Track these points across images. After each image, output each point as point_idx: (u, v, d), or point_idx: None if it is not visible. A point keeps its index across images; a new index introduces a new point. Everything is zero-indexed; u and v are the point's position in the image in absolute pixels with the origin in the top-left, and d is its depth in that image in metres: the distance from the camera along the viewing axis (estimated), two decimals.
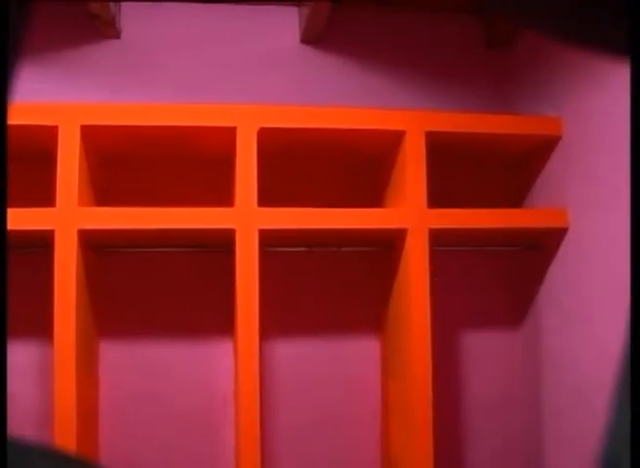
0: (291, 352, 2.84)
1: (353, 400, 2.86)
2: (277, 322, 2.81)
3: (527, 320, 2.92)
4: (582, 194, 2.45)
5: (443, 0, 2.99)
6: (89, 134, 2.33)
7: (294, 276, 2.85)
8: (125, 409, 2.72)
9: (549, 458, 2.71)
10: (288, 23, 2.97)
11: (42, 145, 2.44)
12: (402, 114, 2.47)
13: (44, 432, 2.55)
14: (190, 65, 2.88)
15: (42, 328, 2.55)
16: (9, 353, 2.63)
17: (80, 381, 2.23)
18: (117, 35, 2.84)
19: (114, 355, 2.73)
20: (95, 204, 2.55)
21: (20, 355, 2.64)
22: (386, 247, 2.72)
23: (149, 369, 2.75)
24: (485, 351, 2.98)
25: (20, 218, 2.20)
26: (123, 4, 2.86)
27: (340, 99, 2.93)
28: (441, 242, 2.74)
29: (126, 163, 2.74)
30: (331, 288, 2.88)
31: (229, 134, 2.38)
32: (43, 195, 2.41)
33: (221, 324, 2.76)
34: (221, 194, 2.68)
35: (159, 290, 2.77)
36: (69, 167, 2.25)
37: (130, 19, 2.87)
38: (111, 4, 2.68)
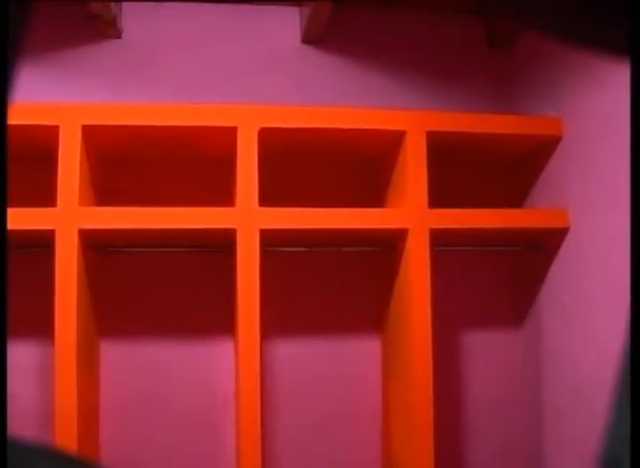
0: (291, 352, 2.84)
1: (354, 400, 2.86)
2: (278, 322, 2.81)
3: (528, 320, 2.92)
4: (583, 194, 2.45)
5: (443, 0, 2.99)
6: (90, 133, 2.33)
7: (294, 276, 2.85)
8: (126, 408, 2.72)
9: (550, 458, 2.71)
10: (289, 23, 2.97)
11: (43, 145, 2.44)
12: (403, 114, 2.47)
13: (45, 432, 2.55)
14: (191, 65, 2.88)
15: (43, 328, 2.55)
16: (10, 353, 2.63)
17: (81, 381, 2.23)
18: (118, 35, 2.84)
19: (115, 355, 2.73)
20: (95, 204, 2.55)
21: (21, 355, 2.65)
22: (387, 247, 2.72)
23: (150, 368, 2.75)
24: (486, 351, 2.98)
25: (20, 218, 2.20)
26: (124, 4, 2.86)
27: (341, 99, 2.92)
28: (442, 242, 2.74)
29: (127, 163, 2.74)
30: (331, 288, 2.88)
31: (230, 133, 2.38)
32: (44, 195, 2.41)
33: (222, 324, 2.76)
34: (222, 194, 2.68)
35: (160, 289, 2.77)
36: (70, 167, 2.25)
37: (131, 18, 2.87)
38: (112, 4, 2.68)
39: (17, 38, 0.38)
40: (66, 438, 2.15)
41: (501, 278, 3.00)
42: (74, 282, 2.20)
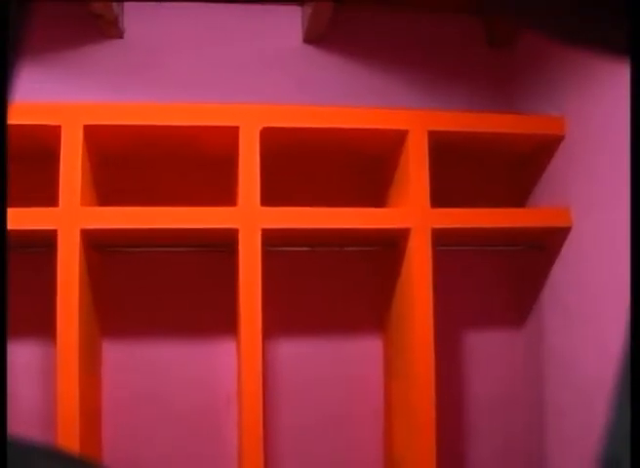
0: (293, 352, 2.84)
1: (356, 400, 2.86)
2: (280, 321, 2.81)
3: (529, 319, 2.92)
4: (585, 193, 2.45)
5: (444, 0, 2.99)
6: (92, 133, 2.33)
7: (296, 275, 2.85)
8: (128, 408, 2.72)
9: (551, 458, 2.71)
10: (290, 23, 2.97)
11: (45, 145, 2.44)
12: (405, 114, 2.47)
13: (47, 432, 2.56)
14: (193, 65, 2.88)
15: (45, 327, 2.56)
16: (12, 353, 2.63)
17: (83, 381, 2.23)
18: (120, 35, 2.84)
19: (117, 355, 2.73)
20: (97, 204, 2.55)
21: (24, 355, 2.65)
22: (389, 246, 2.72)
23: (152, 368, 2.75)
24: (487, 351, 2.98)
25: (22, 218, 2.20)
26: (126, 4, 2.86)
27: (343, 99, 2.93)
28: (444, 241, 2.74)
29: (129, 162, 2.74)
30: (333, 287, 2.88)
31: (232, 133, 2.38)
32: (46, 195, 2.41)
33: (224, 323, 2.76)
34: (224, 194, 2.68)
35: (162, 289, 2.77)
36: (72, 166, 2.25)
37: (133, 18, 2.87)
38: (114, 4, 2.68)
39: (17, 38, 0.38)
40: (69, 438, 2.15)
41: (503, 277, 3.00)
42: (76, 282, 2.20)
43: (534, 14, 0.37)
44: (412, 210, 2.43)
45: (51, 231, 2.23)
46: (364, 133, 2.50)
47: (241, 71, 2.91)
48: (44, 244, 2.46)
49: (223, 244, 2.66)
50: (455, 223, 2.45)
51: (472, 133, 2.54)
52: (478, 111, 2.68)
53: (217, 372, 2.77)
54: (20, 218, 2.20)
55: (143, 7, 2.88)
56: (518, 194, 2.96)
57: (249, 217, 2.31)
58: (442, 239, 2.63)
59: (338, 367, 2.86)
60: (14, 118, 2.23)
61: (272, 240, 2.56)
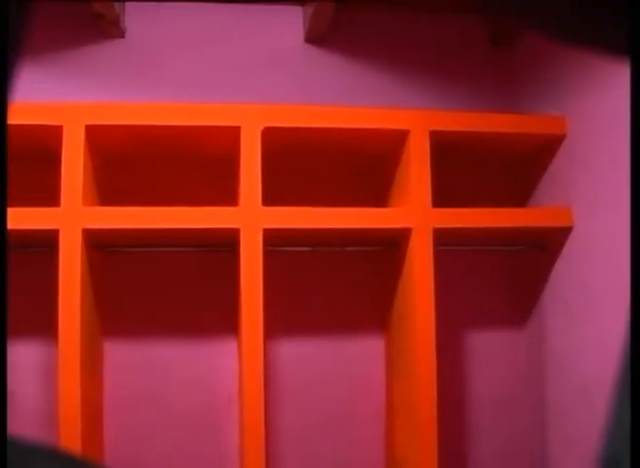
0: (295, 352, 2.84)
1: (358, 400, 2.86)
2: (281, 321, 2.81)
3: (531, 319, 2.92)
4: (587, 193, 2.45)
5: (445, 0, 2.99)
6: (93, 133, 2.33)
7: (298, 275, 2.85)
8: (129, 408, 2.72)
9: (554, 458, 2.71)
10: (292, 23, 2.97)
11: (46, 145, 2.44)
12: (406, 113, 2.47)
13: (49, 432, 2.56)
14: (194, 65, 2.88)
15: (47, 327, 2.56)
16: (13, 353, 2.64)
17: (84, 381, 2.24)
18: (121, 35, 2.85)
19: (118, 354, 2.73)
20: (99, 203, 2.56)
21: (25, 355, 2.65)
22: (391, 246, 2.72)
23: (153, 368, 2.75)
24: (489, 350, 2.97)
25: (24, 218, 2.20)
26: (127, 4, 2.86)
27: (344, 99, 2.92)
28: (445, 241, 2.73)
29: (130, 162, 2.74)
30: (335, 287, 2.88)
31: (233, 133, 2.38)
32: (48, 195, 2.41)
33: (226, 323, 2.76)
34: (226, 194, 2.68)
35: (163, 289, 2.77)
36: (74, 166, 2.25)
37: (134, 18, 2.87)
38: (115, 4, 2.68)
39: (17, 38, 0.38)
40: (70, 438, 2.16)
41: (505, 277, 3.00)
42: (78, 282, 2.20)
43: (534, 14, 0.37)
44: (413, 209, 2.43)
45: (52, 231, 2.23)
46: (365, 132, 2.50)
47: (242, 71, 2.91)
48: (46, 244, 2.46)
49: (225, 244, 2.66)
50: (456, 223, 2.45)
51: (474, 132, 2.54)
52: (480, 111, 2.67)
53: (218, 372, 2.77)
54: (21, 218, 2.20)
55: (145, 7, 2.88)
56: (520, 194, 2.96)
57: (250, 217, 2.31)
58: (443, 239, 2.63)
59: (339, 367, 2.86)
60: (15, 118, 2.23)
61: (273, 240, 2.56)
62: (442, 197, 2.60)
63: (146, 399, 2.73)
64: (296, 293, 2.85)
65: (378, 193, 2.83)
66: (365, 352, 2.88)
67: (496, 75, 3.07)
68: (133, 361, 2.74)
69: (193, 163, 2.79)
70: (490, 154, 2.86)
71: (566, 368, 2.61)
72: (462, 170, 2.96)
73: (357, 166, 2.90)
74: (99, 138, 2.40)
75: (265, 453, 2.28)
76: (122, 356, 2.73)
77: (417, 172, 2.43)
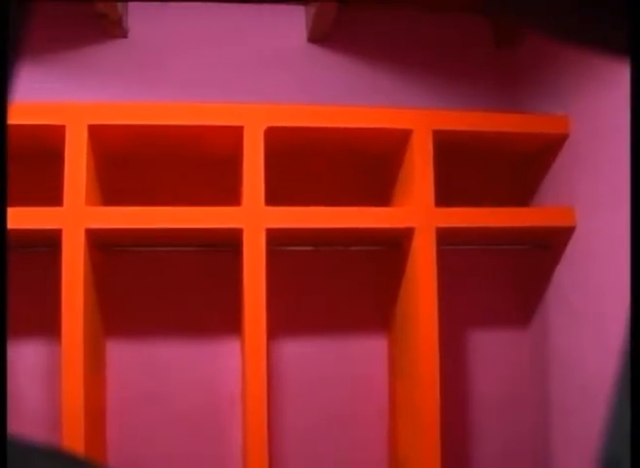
0: (298, 351, 2.84)
1: (360, 399, 2.86)
2: (284, 321, 2.81)
3: (534, 319, 2.91)
4: (590, 192, 2.45)
5: (447, 0, 2.99)
6: (96, 133, 2.34)
7: (301, 275, 2.85)
8: (132, 408, 2.72)
9: (557, 458, 2.71)
10: (295, 23, 2.97)
11: (49, 145, 2.44)
12: (409, 113, 2.47)
13: (52, 432, 2.56)
14: (197, 65, 2.88)
15: (49, 327, 2.56)
16: (16, 353, 2.64)
17: (88, 381, 2.24)
18: (124, 35, 2.85)
19: (121, 354, 2.73)
20: (102, 203, 2.56)
21: (28, 355, 2.65)
22: (394, 246, 2.71)
23: (156, 368, 2.75)
24: (492, 350, 2.97)
25: (27, 218, 2.21)
26: (130, 4, 2.86)
27: (347, 98, 2.92)
28: (448, 241, 2.73)
29: (133, 162, 2.75)
30: (338, 287, 2.88)
31: (236, 133, 2.38)
32: (50, 194, 2.41)
33: (229, 323, 2.76)
34: (229, 193, 2.68)
35: (166, 289, 2.77)
36: (77, 166, 2.25)
37: (137, 18, 2.87)
38: (118, 4, 2.69)
39: (17, 38, 0.38)
40: (74, 438, 2.16)
41: (508, 277, 3.00)
42: (81, 281, 2.20)
43: (534, 13, 0.37)
44: (416, 209, 2.43)
45: (55, 231, 2.23)
46: (368, 132, 2.50)
47: (245, 71, 2.91)
48: (49, 243, 2.46)
49: (228, 243, 2.66)
50: (459, 223, 2.45)
51: (477, 132, 2.54)
52: (482, 110, 2.67)
53: (221, 372, 2.78)
54: (24, 218, 2.20)
55: (147, 7, 2.88)
56: (522, 193, 2.96)
57: (253, 217, 2.31)
58: (446, 238, 2.63)
59: (342, 366, 2.86)
60: (18, 118, 2.23)
61: (277, 239, 2.56)
62: (445, 196, 2.60)
63: (149, 399, 2.73)
64: (299, 293, 2.85)
65: (381, 193, 2.83)
66: (368, 352, 2.88)
67: (498, 75, 3.07)
68: (136, 361, 2.74)
69: (196, 163, 2.79)
70: (493, 154, 2.86)
71: (569, 367, 2.60)
72: (465, 169, 2.96)
73: (360, 165, 2.90)
74: (101, 138, 2.40)
75: (268, 453, 2.28)
76: (125, 356, 2.73)
77: (420, 171, 2.43)
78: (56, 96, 2.72)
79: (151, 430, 2.73)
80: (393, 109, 2.48)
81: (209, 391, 2.77)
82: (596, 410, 2.37)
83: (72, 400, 2.16)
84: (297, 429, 2.82)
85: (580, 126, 2.52)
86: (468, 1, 2.92)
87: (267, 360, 2.32)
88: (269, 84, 2.91)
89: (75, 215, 2.22)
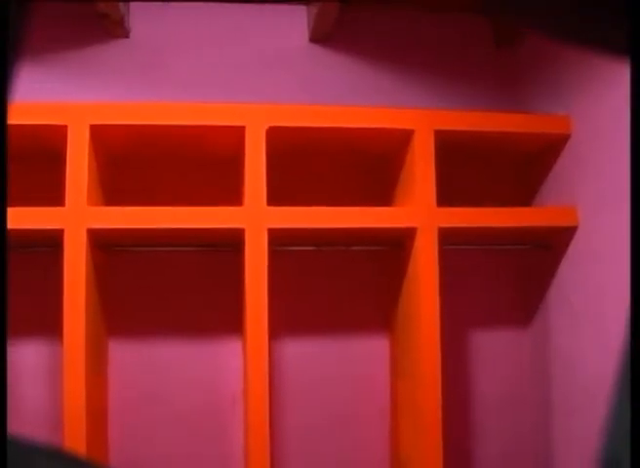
0: (299, 351, 2.84)
1: (362, 399, 2.86)
2: (286, 321, 2.81)
3: (536, 319, 2.91)
4: (592, 192, 2.45)
5: (448, 0, 2.99)
6: (98, 133, 2.34)
7: (303, 275, 2.85)
8: (134, 408, 2.72)
9: (558, 458, 2.71)
10: (296, 23, 2.97)
11: (51, 145, 2.44)
12: (411, 113, 2.47)
13: (54, 432, 2.56)
14: (199, 65, 2.88)
15: (51, 327, 2.56)
16: (18, 353, 2.64)
17: (89, 381, 2.24)
18: (126, 35, 2.85)
19: (123, 354, 2.73)
20: (104, 203, 2.56)
21: (30, 355, 2.65)
22: (396, 246, 2.71)
23: (158, 368, 2.75)
24: (494, 350, 2.97)
25: (29, 218, 2.21)
26: (132, 4, 2.86)
27: (349, 98, 2.92)
28: (450, 241, 2.73)
29: (135, 162, 2.75)
30: (340, 287, 2.88)
31: (238, 133, 2.38)
32: (52, 194, 2.41)
33: (230, 323, 2.76)
34: (230, 193, 2.68)
35: (168, 289, 2.77)
36: (79, 166, 2.25)
37: (138, 18, 2.87)
38: (120, 4, 2.69)
39: (17, 38, 0.38)
40: (75, 438, 2.16)
41: (510, 277, 2.99)
42: (83, 281, 2.20)
43: (534, 13, 0.37)
44: (418, 209, 2.43)
45: (57, 231, 2.23)
46: (370, 132, 2.50)
47: (247, 71, 2.91)
48: (50, 243, 2.46)
49: (230, 243, 2.67)
50: (461, 222, 2.45)
51: (478, 132, 2.54)
52: (484, 110, 2.67)
53: (223, 372, 2.78)
54: (26, 218, 2.20)
55: (149, 7, 2.88)
56: (524, 193, 2.96)
57: (255, 217, 2.31)
58: (448, 238, 2.63)
59: (344, 366, 2.86)
60: (20, 118, 2.23)
61: (278, 239, 2.56)
62: (447, 196, 2.60)
63: (151, 399, 2.73)
64: (300, 293, 2.85)
65: (382, 193, 2.83)
66: (370, 352, 2.88)
67: (500, 75, 3.07)
68: (138, 361, 2.74)
69: (198, 163, 2.79)
70: (495, 154, 2.85)
71: (570, 367, 2.60)
72: (467, 169, 2.96)
73: (362, 165, 2.90)
74: (103, 138, 2.40)
75: (270, 453, 2.28)
76: (127, 356, 2.73)
77: (421, 171, 2.43)
78: (57, 96, 2.72)
79: (153, 430, 2.73)
80: (395, 109, 2.49)
81: (210, 391, 2.77)
82: (597, 410, 2.37)
83: (74, 400, 2.17)
84: (298, 429, 2.82)
85: (581, 126, 2.51)
86: (469, 1, 2.92)
87: (269, 360, 2.31)
88: (271, 84, 2.91)
89: (77, 215, 2.22)
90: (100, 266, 2.49)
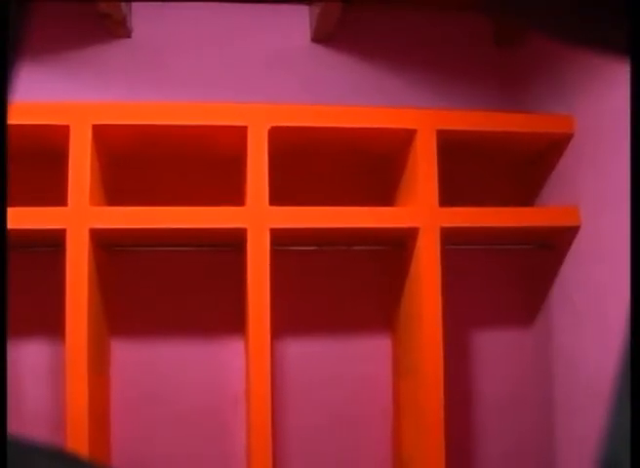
0: (302, 351, 2.84)
1: (364, 399, 2.86)
2: (288, 321, 2.81)
3: (538, 319, 2.91)
4: (594, 192, 2.44)
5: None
6: (100, 133, 2.34)
7: (305, 275, 2.85)
8: (136, 408, 2.72)
9: (561, 458, 2.71)
10: (299, 22, 2.97)
11: (54, 145, 2.45)
12: (413, 113, 2.47)
13: (56, 432, 2.56)
14: (201, 65, 2.88)
15: (54, 327, 2.56)
16: (20, 353, 2.64)
17: (92, 381, 2.24)
18: (128, 34, 2.85)
19: (125, 354, 2.73)
20: (106, 203, 2.56)
21: (32, 355, 2.65)
22: (398, 245, 2.71)
23: (160, 368, 2.75)
24: (496, 350, 2.97)
25: (31, 218, 2.21)
26: (133, 3, 2.86)
27: (351, 98, 2.92)
28: (452, 240, 2.73)
29: (137, 162, 2.75)
30: (342, 286, 2.87)
31: (240, 133, 2.38)
32: (55, 194, 2.41)
33: (232, 323, 2.76)
34: (233, 193, 2.68)
35: (170, 289, 2.77)
36: (81, 166, 2.25)
37: (140, 18, 2.87)
38: (122, 4, 2.69)
39: (17, 38, 0.38)
40: (78, 438, 2.16)
41: (512, 276, 2.99)
42: (85, 281, 2.20)
43: (534, 13, 0.37)
44: (420, 209, 2.42)
45: (60, 231, 2.23)
46: (372, 132, 2.50)
47: (249, 71, 2.91)
48: (53, 243, 2.47)
49: (232, 243, 2.67)
50: (463, 222, 2.45)
51: (481, 132, 2.53)
52: (487, 110, 2.67)
53: (225, 372, 2.78)
54: (28, 218, 2.20)
55: (151, 6, 2.88)
56: (527, 193, 2.95)
57: (257, 217, 2.31)
58: (451, 238, 2.63)
59: (346, 366, 2.86)
60: (22, 118, 2.24)
61: (280, 239, 2.56)
62: (449, 196, 2.60)
63: (153, 398, 2.73)
64: (302, 293, 2.85)
65: (385, 192, 2.83)
66: (372, 351, 2.88)
67: (502, 74, 3.07)
68: (140, 360, 2.74)
69: (200, 162, 2.79)
70: (497, 153, 2.85)
71: (573, 367, 2.60)
72: (470, 169, 2.95)
73: (364, 165, 2.90)
74: (105, 138, 2.40)
75: (272, 453, 2.28)
76: (129, 356, 2.73)
77: (424, 171, 2.43)
78: (59, 96, 2.72)
79: (155, 429, 2.73)
80: (397, 109, 2.48)
81: (213, 390, 2.77)
82: (600, 410, 2.37)
83: (76, 400, 2.17)
84: (300, 429, 2.82)
85: (584, 125, 2.51)
86: (469, 1, 2.92)
87: (271, 359, 2.31)
88: (273, 84, 2.91)
89: (79, 215, 2.23)
90: (102, 266, 2.49)
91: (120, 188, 2.71)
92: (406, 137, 2.51)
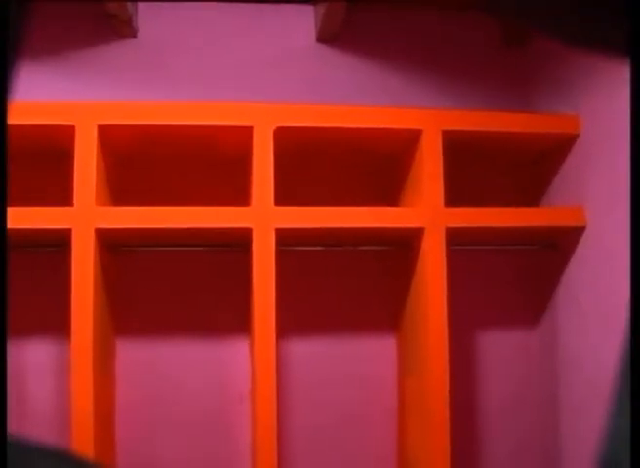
0: (307, 351, 2.84)
1: (370, 399, 2.86)
2: (294, 321, 2.81)
3: (544, 319, 2.91)
4: (600, 192, 2.44)
5: None
6: (106, 133, 2.34)
7: (310, 275, 2.85)
8: (141, 408, 2.72)
9: (566, 458, 2.70)
10: (304, 22, 2.97)
11: (59, 145, 2.45)
12: (419, 113, 2.47)
13: (61, 432, 2.56)
14: (206, 64, 2.89)
15: (59, 327, 2.56)
16: (25, 353, 2.64)
17: (97, 381, 2.24)
18: (134, 34, 2.85)
19: (131, 354, 2.73)
20: (112, 203, 2.56)
21: (37, 355, 2.66)
22: (403, 246, 2.71)
23: (165, 368, 2.75)
24: (501, 350, 2.96)
25: (37, 217, 2.21)
26: (139, 3, 2.86)
27: (357, 98, 2.92)
28: (458, 241, 2.73)
29: (142, 162, 2.75)
30: (347, 286, 2.87)
31: (246, 132, 2.38)
32: (60, 194, 2.42)
33: (238, 323, 2.76)
34: (238, 193, 2.68)
35: (176, 288, 2.77)
36: (86, 166, 2.25)
37: (146, 18, 2.87)
38: (128, 3, 2.69)
39: (17, 38, 0.38)
40: (83, 439, 2.16)
41: (518, 277, 2.99)
42: (90, 281, 2.20)
43: (534, 14, 0.37)
44: (426, 209, 2.42)
45: (65, 230, 2.23)
46: (378, 132, 2.50)
47: (254, 70, 2.91)
48: (58, 243, 2.47)
49: (237, 243, 2.67)
50: (469, 222, 2.45)
51: (486, 132, 2.53)
52: (493, 110, 2.67)
53: (230, 372, 2.78)
54: (34, 218, 2.21)
55: (157, 6, 2.89)
56: (532, 193, 2.95)
57: (263, 217, 2.31)
58: (456, 238, 2.62)
59: (351, 366, 2.85)
60: (27, 118, 2.24)
61: (286, 239, 2.56)
62: (455, 196, 2.59)
63: (158, 398, 2.74)
64: (308, 293, 2.85)
65: (390, 192, 2.82)
66: (377, 351, 2.87)
67: (508, 74, 3.06)
68: (145, 361, 2.74)
69: (205, 162, 2.79)
70: (503, 153, 2.85)
71: (578, 368, 2.60)
72: (475, 169, 2.95)
73: (369, 165, 2.89)
74: (111, 138, 2.41)
75: (277, 453, 2.28)
76: (134, 356, 2.74)
77: (429, 171, 2.43)
78: (65, 95, 2.73)
79: (160, 429, 2.73)
80: (403, 109, 2.48)
81: (218, 390, 2.77)
82: (606, 411, 2.37)
83: (81, 400, 2.17)
84: (305, 428, 2.82)
85: (590, 125, 2.51)
86: (471, 1, 2.91)
87: (276, 359, 2.31)
88: (278, 84, 2.91)
89: (85, 215, 2.23)
90: (107, 266, 2.49)
91: (125, 188, 2.71)
92: (411, 137, 2.51)
